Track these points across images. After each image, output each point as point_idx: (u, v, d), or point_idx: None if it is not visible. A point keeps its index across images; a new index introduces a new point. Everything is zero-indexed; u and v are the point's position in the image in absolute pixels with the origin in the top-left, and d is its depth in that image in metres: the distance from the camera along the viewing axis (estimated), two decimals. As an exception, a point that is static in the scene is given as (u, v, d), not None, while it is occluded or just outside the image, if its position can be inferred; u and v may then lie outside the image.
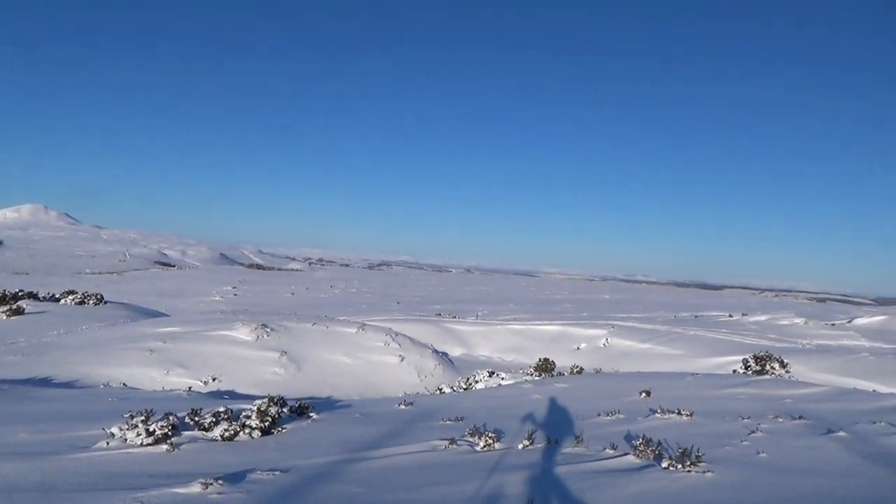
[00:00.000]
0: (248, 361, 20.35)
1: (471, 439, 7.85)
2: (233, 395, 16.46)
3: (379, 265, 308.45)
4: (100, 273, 79.49)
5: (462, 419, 9.46)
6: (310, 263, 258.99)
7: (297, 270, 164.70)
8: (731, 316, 40.02)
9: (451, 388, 20.15)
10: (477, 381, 20.10)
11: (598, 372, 20.68)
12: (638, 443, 7.04)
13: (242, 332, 21.87)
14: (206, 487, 5.49)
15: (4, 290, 24.72)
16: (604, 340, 29.55)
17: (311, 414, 9.19)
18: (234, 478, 5.91)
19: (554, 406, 10.94)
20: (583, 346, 29.69)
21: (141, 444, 7.26)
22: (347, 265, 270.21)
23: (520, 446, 7.53)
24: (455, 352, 30.04)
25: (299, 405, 9.16)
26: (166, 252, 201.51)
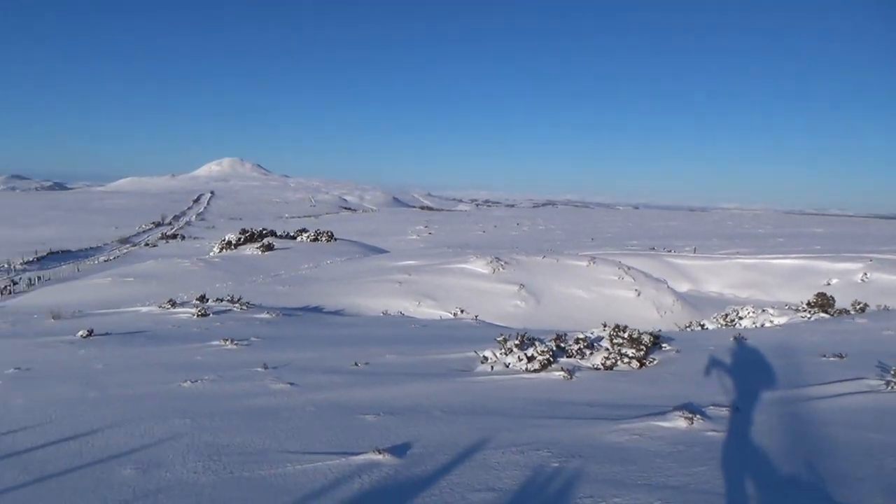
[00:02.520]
0: (488, 294, 20.13)
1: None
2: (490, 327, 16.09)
3: (544, 204, 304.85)
4: (298, 217, 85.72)
5: (843, 356, 7.94)
6: (476, 205, 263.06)
7: (465, 212, 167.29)
8: None
9: (710, 325, 18.43)
10: (741, 318, 18.17)
11: (885, 309, 17.75)
12: None
13: (478, 266, 21.70)
14: (692, 422, 4.62)
15: (252, 229, 26.73)
16: (861, 275, 25.82)
17: (664, 345, 8.19)
18: (692, 409, 5.00)
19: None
20: (834, 281, 26.18)
21: (527, 370, 6.69)
22: (513, 205, 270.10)
23: None
24: (681, 287, 27.95)
25: (651, 334, 8.18)
26: (346, 197, 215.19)
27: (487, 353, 7.12)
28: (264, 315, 12.85)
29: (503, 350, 7.05)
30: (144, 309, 13.88)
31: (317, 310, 16.82)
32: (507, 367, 6.83)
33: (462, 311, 18.61)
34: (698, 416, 4.78)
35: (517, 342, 7.06)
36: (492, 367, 6.81)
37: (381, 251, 31.49)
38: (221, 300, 14.40)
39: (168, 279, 21.93)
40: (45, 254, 44.98)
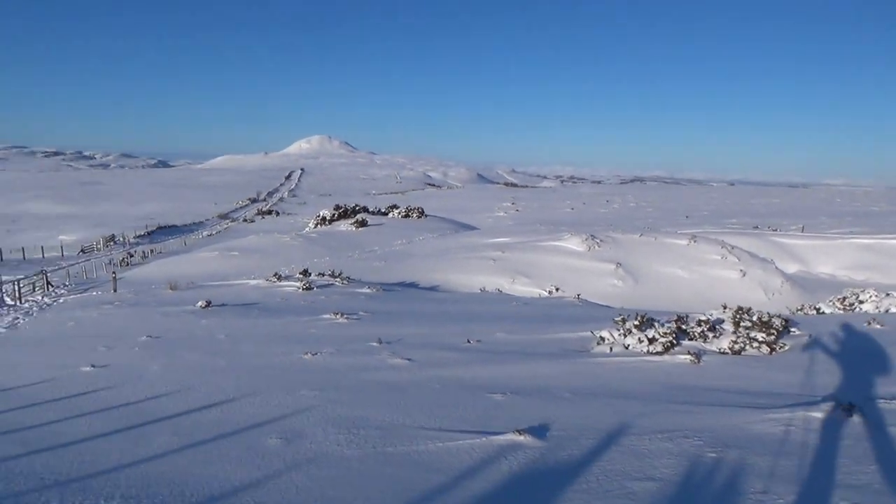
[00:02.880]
0: (584, 272, 19.67)
1: None
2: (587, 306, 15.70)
3: (632, 181, 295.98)
4: (385, 193, 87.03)
5: None
6: (562, 181, 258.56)
7: (550, 188, 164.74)
8: None
9: (826, 309, 17.25)
10: (861, 302, 16.90)
11: None
12: None
13: (573, 243, 21.24)
14: (850, 414, 4.25)
15: (345, 205, 27.30)
16: None
17: (793, 329, 7.65)
18: (845, 400, 4.59)
19: None
20: (966, 264, 23.93)
21: (648, 352, 6.41)
22: (600, 182, 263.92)
23: None
24: (789, 268, 26.34)
25: (782, 318, 7.66)
26: (430, 174, 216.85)
27: (605, 334, 6.88)
28: (365, 290, 13.08)
29: (621, 331, 6.79)
30: (253, 282, 14.45)
31: (413, 285, 16.99)
32: (627, 348, 6.57)
33: (557, 290, 18.29)
34: (856, 408, 4.39)
35: (636, 323, 6.77)
36: (610, 349, 6.58)
37: (470, 228, 31.48)
38: (323, 275, 14.78)
39: (270, 253, 22.80)
40: (154, 228, 47.99)
